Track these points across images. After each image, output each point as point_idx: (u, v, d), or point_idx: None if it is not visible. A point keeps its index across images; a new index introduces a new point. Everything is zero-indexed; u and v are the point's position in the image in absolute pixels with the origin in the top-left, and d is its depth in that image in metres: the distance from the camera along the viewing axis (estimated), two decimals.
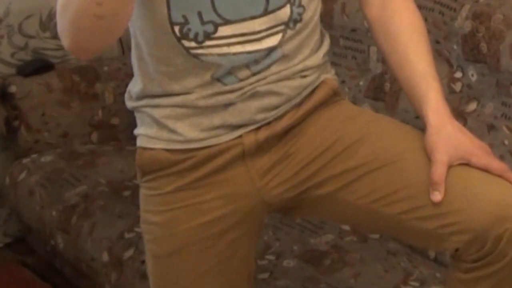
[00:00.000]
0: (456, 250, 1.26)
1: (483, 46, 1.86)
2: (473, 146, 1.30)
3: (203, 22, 1.28)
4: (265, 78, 1.34)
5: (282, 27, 1.32)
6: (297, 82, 1.37)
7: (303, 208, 1.41)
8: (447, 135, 1.29)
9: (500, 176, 1.27)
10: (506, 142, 1.83)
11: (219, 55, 1.30)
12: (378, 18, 1.42)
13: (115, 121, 2.65)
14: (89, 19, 1.17)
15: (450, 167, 1.26)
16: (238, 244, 1.40)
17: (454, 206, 1.25)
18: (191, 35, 1.29)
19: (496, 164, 1.28)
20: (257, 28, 1.30)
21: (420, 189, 1.27)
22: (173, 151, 1.37)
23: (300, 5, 1.33)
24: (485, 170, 1.27)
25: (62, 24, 1.23)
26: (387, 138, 1.36)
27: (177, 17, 1.28)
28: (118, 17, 1.19)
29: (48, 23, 2.66)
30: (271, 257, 1.90)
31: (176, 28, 1.29)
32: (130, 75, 1.42)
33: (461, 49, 1.92)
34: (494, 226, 1.21)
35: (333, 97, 1.41)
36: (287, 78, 1.36)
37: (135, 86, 1.40)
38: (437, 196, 1.25)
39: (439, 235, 1.27)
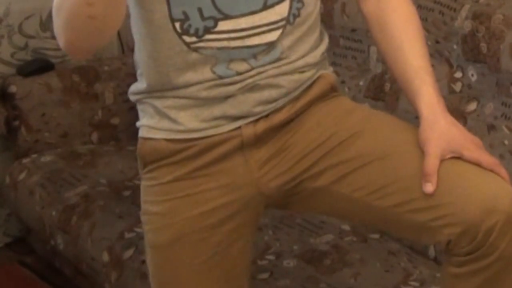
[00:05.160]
0: (448, 243, 1.27)
1: (483, 46, 1.86)
2: (465, 140, 1.32)
3: (203, 18, 1.30)
4: (265, 71, 1.36)
5: (283, 23, 1.34)
6: (295, 77, 1.39)
7: (300, 201, 1.43)
8: (440, 129, 1.31)
9: (491, 170, 1.29)
10: (506, 142, 1.83)
11: (218, 48, 1.32)
12: (373, 13, 1.45)
13: (115, 121, 2.65)
14: (81, 19, 1.19)
15: (442, 160, 1.28)
16: (235, 235, 1.42)
17: (445, 199, 1.27)
18: (192, 31, 1.31)
19: (487, 158, 1.30)
20: (257, 23, 1.32)
21: (413, 182, 1.29)
22: (173, 141, 1.39)
23: (299, 1, 1.35)
24: (477, 163, 1.29)
25: (57, 24, 1.26)
26: (382, 132, 1.38)
27: (177, 13, 1.30)
28: (109, 18, 1.21)
29: (48, 23, 2.66)
30: (271, 257, 1.90)
31: (177, 24, 1.31)
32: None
33: (461, 49, 1.92)
34: (484, 218, 1.23)
35: (331, 91, 1.44)
36: (286, 73, 1.38)
37: (138, 83, 1.42)
38: (429, 188, 1.27)
39: (431, 227, 1.28)
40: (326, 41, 1.45)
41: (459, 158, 1.29)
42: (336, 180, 1.36)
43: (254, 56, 1.34)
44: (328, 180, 1.37)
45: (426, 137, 1.31)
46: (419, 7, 1.98)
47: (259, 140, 1.38)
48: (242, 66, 1.34)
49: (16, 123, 2.54)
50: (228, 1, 1.30)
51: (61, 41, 1.27)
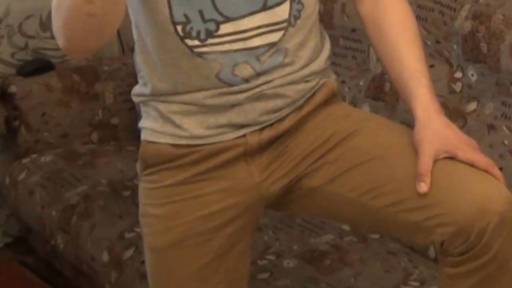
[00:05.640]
0: (442, 243, 1.27)
1: (483, 46, 1.86)
2: (459, 140, 1.32)
3: (204, 20, 1.30)
4: (272, 81, 1.36)
5: (284, 24, 1.34)
6: (301, 86, 1.40)
7: (295, 201, 1.43)
8: (434, 130, 1.31)
9: (485, 170, 1.29)
10: (506, 142, 1.83)
11: (222, 52, 1.32)
12: (369, 14, 1.45)
13: (115, 121, 2.65)
14: (81, 17, 1.19)
15: (436, 160, 1.29)
16: (236, 238, 1.42)
17: (439, 198, 1.27)
18: (194, 34, 1.31)
19: (481, 159, 1.30)
20: (258, 24, 1.32)
21: (407, 182, 1.29)
22: (177, 146, 1.39)
23: (299, 2, 1.35)
24: (471, 164, 1.29)
25: (56, 24, 1.25)
26: (378, 133, 1.39)
27: (179, 16, 1.30)
28: (109, 15, 1.21)
29: (48, 23, 2.66)
30: (271, 257, 1.90)
31: (179, 28, 1.31)
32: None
33: (461, 49, 1.92)
34: (477, 218, 1.23)
35: (332, 98, 1.45)
36: (293, 82, 1.38)
37: (143, 87, 1.41)
38: (423, 188, 1.27)
39: (424, 227, 1.29)
40: (328, 45, 1.46)
41: (453, 158, 1.30)
42: (331, 180, 1.37)
43: (257, 58, 1.34)
44: (323, 180, 1.37)
45: (420, 137, 1.31)
46: (419, 7, 1.99)
47: (262, 147, 1.39)
48: (246, 71, 1.34)
49: (16, 123, 2.55)
50: (228, 3, 1.30)
51: (60, 41, 1.26)
